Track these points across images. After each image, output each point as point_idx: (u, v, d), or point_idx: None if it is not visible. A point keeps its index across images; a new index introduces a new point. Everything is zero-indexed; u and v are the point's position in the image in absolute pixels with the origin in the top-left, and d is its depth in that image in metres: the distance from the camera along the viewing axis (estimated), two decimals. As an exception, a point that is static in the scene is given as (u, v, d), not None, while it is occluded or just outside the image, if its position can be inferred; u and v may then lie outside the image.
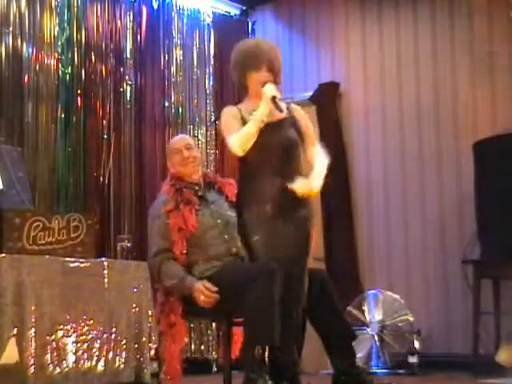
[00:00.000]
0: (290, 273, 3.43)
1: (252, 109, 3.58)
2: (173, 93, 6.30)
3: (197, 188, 3.90)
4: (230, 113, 3.63)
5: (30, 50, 5.35)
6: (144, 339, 4.51)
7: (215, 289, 3.55)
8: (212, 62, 6.64)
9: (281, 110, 3.57)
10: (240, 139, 3.46)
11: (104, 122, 5.76)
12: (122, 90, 5.91)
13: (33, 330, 3.97)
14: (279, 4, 6.92)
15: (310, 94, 6.41)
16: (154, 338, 4.52)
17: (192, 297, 3.60)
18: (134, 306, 4.52)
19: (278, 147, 3.54)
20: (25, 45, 5.32)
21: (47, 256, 4.21)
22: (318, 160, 3.60)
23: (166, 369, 3.79)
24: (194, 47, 6.54)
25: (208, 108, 6.55)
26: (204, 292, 3.56)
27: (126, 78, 5.95)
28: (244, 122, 3.53)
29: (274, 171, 3.52)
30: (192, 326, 5.81)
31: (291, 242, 3.51)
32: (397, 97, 6.21)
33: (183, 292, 3.66)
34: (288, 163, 3.56)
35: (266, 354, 3.35)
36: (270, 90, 3.53)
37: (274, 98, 3.52)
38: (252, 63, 3.60)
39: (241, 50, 3.69)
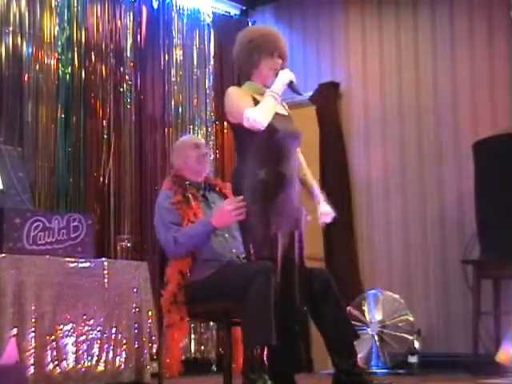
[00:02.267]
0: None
1: (258, 88, 3.61)
2: (173, 93, 6.30)
3: (198, 187, 3.90)
4: (237, 91, 3.63)
5: (30, 50, 5.34)
6: (144, 339, 4.51)
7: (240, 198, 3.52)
8: (212, 62, 6.64)
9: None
10: (264, 111, 3.44)
11: (104, 122, 5.76)
12: (122, 90, 5.91)
13: (33, 329, 3.98)
14: (279, 4, 6.92)
15: (310, 93, 6.41)
16: (154, 338, 4.53)
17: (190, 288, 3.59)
18: (134, 306, 4.53)
19: (288, 136, 3.58)
20: (25, 45, 5.31)
21: (47, 256, 4.22)
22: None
23: (167, 365, 3.77)
24: (194, 47, 6.54)
25: (208, 108, 6.55)
26: (231, 203, 3.52)
27: (126, 77, 5.95)
28: (254, 99, 3.54)
29: (280, 159, 3.54)
30: (192, 325, 5.81)
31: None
32: (397, 97, 6.20)
33: (205, 231, 3.60)
34: (292, 153, 3.61)
35: (265, 354, 3.35)
36: (287, 73, 3.57)
37: (291, 83, 3.57)
38: (269, 48, 3.62)
39: (259, 33, 3.69)
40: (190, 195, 3.81)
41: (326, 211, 3.78)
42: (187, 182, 3.88)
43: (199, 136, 6.28)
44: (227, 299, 3.50)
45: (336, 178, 6.34)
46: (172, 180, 3.91)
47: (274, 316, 3.29)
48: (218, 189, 4.01)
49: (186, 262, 3.68)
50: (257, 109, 3.44)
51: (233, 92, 3.61)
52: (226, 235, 3.80)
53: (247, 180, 3.50)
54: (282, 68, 3.66)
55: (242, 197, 3.49)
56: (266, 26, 3.82)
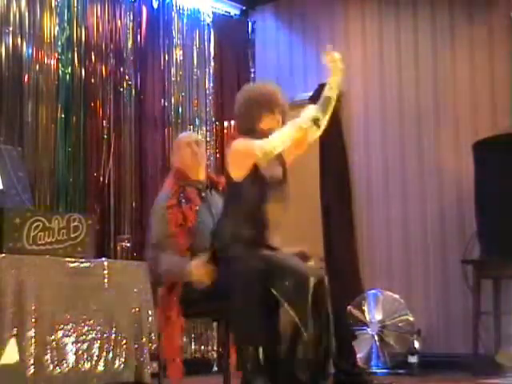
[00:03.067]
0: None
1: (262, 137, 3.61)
2: (173, 93, 6.30)
3: (200, 187, 3.89)
4: (243, 140, 3.62)
5: (30, 50, 5.35)
6: (144, 339, 4.50)
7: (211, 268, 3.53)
8: (212, 62, 6.65)
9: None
10: (280, 137, 3.47)
11: (104, 122, 5.76)
12: (122, 89, 5.91)
13: (33, 330, 3.97)
14: (279, 4, 6.92)
15: (310, 94, 6.40)
16: (154, 338, 4.53)
17: (187, 288, 3.59)
18: (134, 305, 4.52)
19: (275, 184, 3.60)
20: (25, 45, 5.32)
21: (47, 256, 4.21)
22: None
23: (169, 368, 3.77)
24: (194, 47, 6.54)
25: (208, 108, 6.55)
26: (201, 268, 3.53)
27: (126, 77, 5.96)
28: None
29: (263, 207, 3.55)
30: (192, 325, 5.81)
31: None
32: (397, 97, 6.21)
33: (178, 274, 3.64)
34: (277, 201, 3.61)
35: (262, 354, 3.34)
36: (313, 109, 3.63)
37: (316, 120, 3.59)
38: (269, 106, 3.66)
39: (259, 93, 3.71)
40: (183, 199, 3.80)
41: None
42: (188, 181, 3.88)
43: (199, 136, 6.27)
44: (223, 299, 3.49)
45: (336, 178, 6.34)
46: (174, 178, 3.90)
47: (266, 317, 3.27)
48: (221, 188, 4.00)
49: None
50: (273, 137, 3.47)
51: (238, 142, 3.62)
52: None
53: (230, 237, 3.52)
54: (284, 122, 3.68)
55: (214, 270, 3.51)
56: (265, 85, 3.83)
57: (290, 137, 3.50)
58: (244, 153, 3.52)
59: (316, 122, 3.57)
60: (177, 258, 3.69)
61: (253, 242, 3.47)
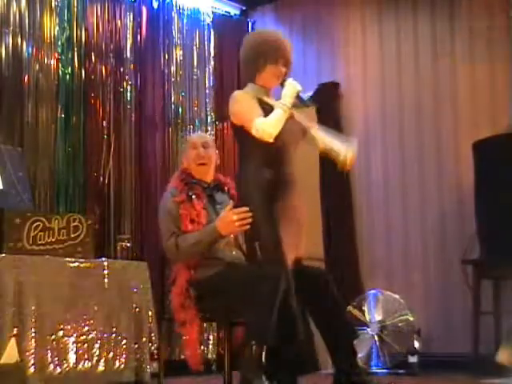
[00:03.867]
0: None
1: (262, 91, 3.63)
2: (173, 93, 6.30)
3: (205, 186, 3.88)
4: (244, 96, 3.63)
5: (30, 50, 5.35)
6: (144, 339, 4.51)
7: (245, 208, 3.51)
8: (212, 62, 6.64)
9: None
10: (273, 124, 3.45)
11: (104, 122, 5.76)
12: (122, 89, 5.91)
13: (33, 330, 3.98)
14: (279, 4, 6.92)
15: (310, 94, 6.40)
16: (153, 338, 4.53)
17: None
18: (134, 306, 4.53)
19: (290, 139, 3.60)
20: (25, 45, 5.32)
21: (47, 256, 4.22)
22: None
23: (189, 360, 3.73)
24: (194, 47, 6.54)
25: (208, 108, 6.55)
26: (234, 212, 3.51)
27: (126, 77, 5.96)
28: (260, 101, 3.56)
29: (282, 161, 3.57)
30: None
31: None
32: (397, 97, 6.21)
33: (209, 237, 3.60)
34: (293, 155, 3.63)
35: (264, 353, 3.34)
36: (294, 85, 3.56)
37: (298, 93, 3.55)
38: (273, 56, 3.63)
39: (263, 40, 3.69)
40: (193, 195, 3.79)
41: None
42: (194, 181, 3.87)
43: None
44: (231, 299, 3.48)
45: (336, 178, 6.34)
46: (180, 177, 3.90)
47: (278, 318, 3.27)
48: (227, 189, 3.97)
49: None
50: (267, 120, 3.45)
51: (241, 98, 3.61)
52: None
53: (252, 180, 3.51)
54: (286, 74, 3.66)
55: (246, 208, 3.49)
56: (274, 32, 3.80)
57: (281, 120, 3.48)
58: (243, 119, 3.55)
59: (298, 96, 3.56)
60: (197, 231, 3.67)
61: (275, 183, 3.48)
